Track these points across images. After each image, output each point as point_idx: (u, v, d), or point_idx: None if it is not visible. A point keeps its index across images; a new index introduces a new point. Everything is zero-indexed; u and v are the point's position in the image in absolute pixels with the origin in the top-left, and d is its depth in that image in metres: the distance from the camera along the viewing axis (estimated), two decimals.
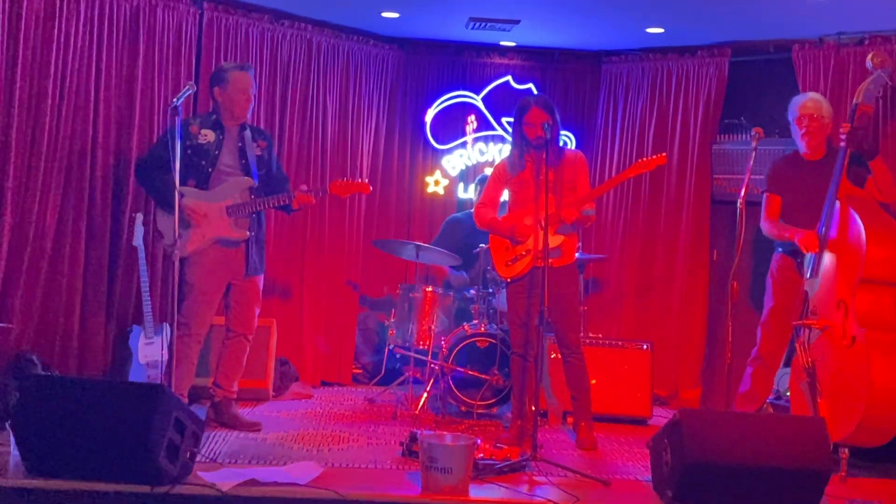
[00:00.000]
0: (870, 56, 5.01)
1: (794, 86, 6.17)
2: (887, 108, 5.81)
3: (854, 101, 4.97)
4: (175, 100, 4.50)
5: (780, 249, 5.27)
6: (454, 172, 7.35)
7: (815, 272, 4.81)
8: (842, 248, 4.73)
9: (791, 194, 5.19)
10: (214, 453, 4.48)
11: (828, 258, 4.79)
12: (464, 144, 7.33)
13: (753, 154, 5.02)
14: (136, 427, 3.66)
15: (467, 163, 7.35)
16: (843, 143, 4.82)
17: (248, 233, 5.06)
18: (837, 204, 4.78)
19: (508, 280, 5.17)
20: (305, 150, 6.64)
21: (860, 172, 4.99)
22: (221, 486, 3.75)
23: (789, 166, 5.27)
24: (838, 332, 4.63)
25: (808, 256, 4.88)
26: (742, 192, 4.87)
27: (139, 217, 5.49)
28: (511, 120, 5.21)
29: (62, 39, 5.40)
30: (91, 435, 3.70)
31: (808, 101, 5.19)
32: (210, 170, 5.00)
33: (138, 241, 5.44)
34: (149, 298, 5.47)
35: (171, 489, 3.69)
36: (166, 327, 5.46)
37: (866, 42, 5.97)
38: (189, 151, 4.95)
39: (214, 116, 5.09)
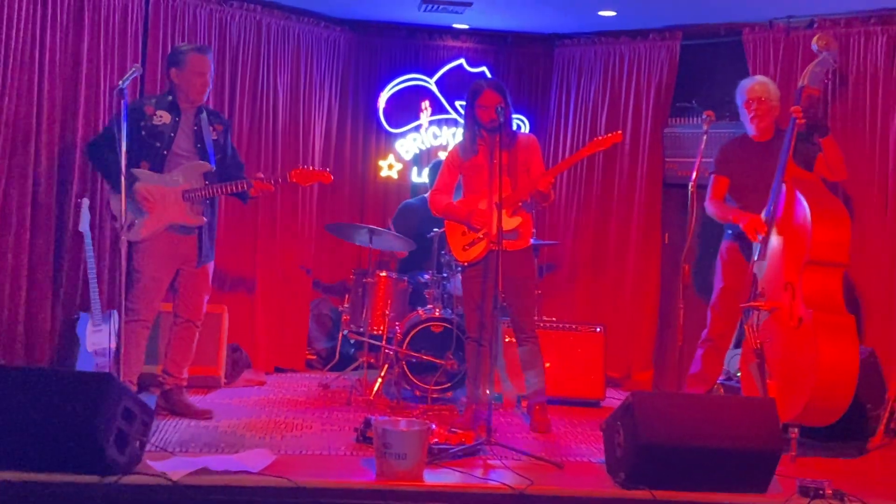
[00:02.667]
0: (815, 38, 5.06)
1: (745, 69, 6.21)
2: (835, 89, 5.87)
3: (800, 83, 5.02)
4: (121, 82, 4.42)
5: (729, 232, 5.31)
6: (408, 156, 7.32)
7: (762, 255, 4.87)
8: (788, 230, 4.78)
9: (740, 176, 5.24)
10: (165, 442, 4.42)
11: (775, 241, 4.84)
12: (417, 128, 7.29)
13: (705, 137, 5.06)
14: (83, 417, 3.61)
15: (421, 147, 7.32)
16: (791, 125, 4.87)
17: (204, 219, 4.98)
18: (784, 187, 4.83)
19: (465, 264, 5.16)
20: (256, 134, 6.57)
21: (809, 150, 5.04)
22: (172, 475, 3.71)
23: (738, 148, 5.32)
24: (786, 313, 4.69)
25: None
26: (693, 176, 4.91)
27: (85, 202, 5.39)
28: (465, 103, 5.18)
29: (4, 23, 5.27)
30: (38, 425, 3.63)
31: (755, 85, 5.23)
32: (165, 153, 4.91)
33: (84, 226, 5.34)
34: (96, 285, 5.37)
35: (119, 479, 3.64)
36: (114, 314, 5.37)
37: (815, 25, 6.03)
38: (143, 133, 4.86)
39: (171, 98, 5.00)
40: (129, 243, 4.80)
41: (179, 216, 4.93)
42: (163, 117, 4.92)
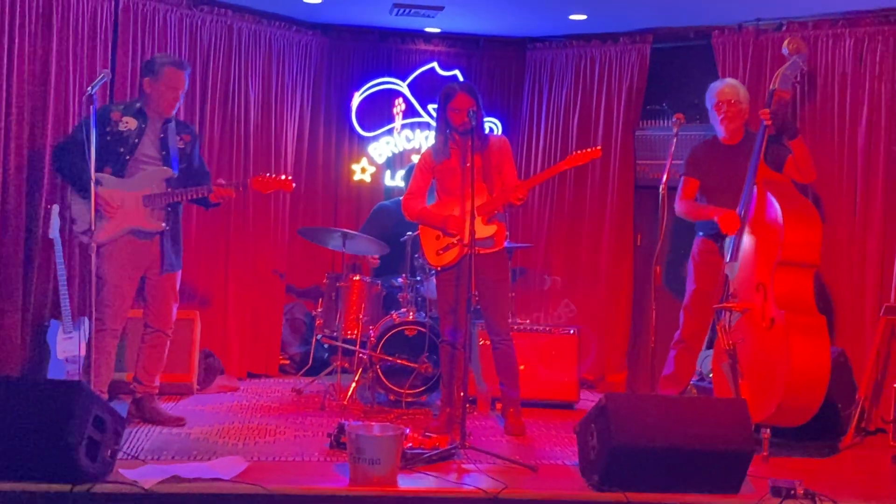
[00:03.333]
0: (786, 42, 5.10)
1: (714, 71, 6.26)
2: (804, 91, 5.92)
3: (771, 86, 5.07)
4: (90, 88, 4.40)
5: (701, 233, 5.34)
6: (381, 160, 7.31)
7: (734, 256, 4.89)
8: (760, 231, 4.81)
9: (710, 178, 5.27)
10: (136, 450, 4.39)
11: (747, 242, 4.87)
12: (390, 131, 7.29)
13: (675, 140, 5.09)
14: (54, 425, 3.58)
15: (394, 150, 7.32)
16: (763, 127, 4.90)
17: (163, 224, 4.95)
18: (755, 188, 4.86)
19: (439, 269, 5.15)
20: (227, 138, 6.54)
21: (779, 152, 5.09)
22: (143, 483, 3.69)
23: (708, 151, 5.35)
24: (758, 314, 4.72)
25: (728, 240, 4.96)
26: (664, 178, 4.93)
27: (55, 209, 5.34)
28: (437, 106, 5.18)
29: None
30: (8, 434, 3.60)
31: (725, 87, 5.26)
32: (128, 157, 4.88)
33: (54, 233, 5.29)
34: (66, 292, 5.32)
35: (91, 487, 3.62)
36: (85, 322, 5.33)
37: (784, 28, 6.08)
38: (108, 138, 4.84)
39: (139, 105, 4.98)
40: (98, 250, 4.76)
41: (139, 221, 4.89)
42: (129, 123, 4.90)
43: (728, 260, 4.93)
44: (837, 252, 5.76)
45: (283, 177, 5.20)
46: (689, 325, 5.36)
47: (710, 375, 5.23)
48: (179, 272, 5.15)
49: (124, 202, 4.86)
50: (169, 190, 4.94)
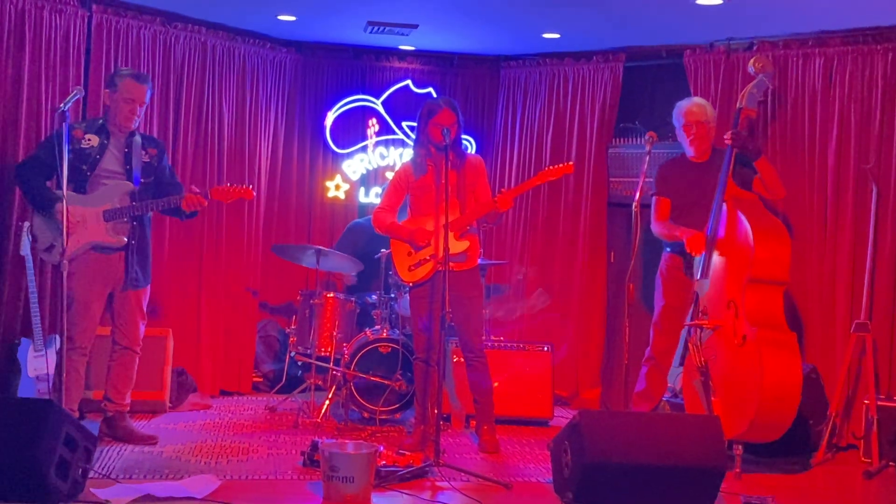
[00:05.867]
0: (752, 61, 5.17)
1: (687, 90, 6.30)
2: (775, 109, 5.98)
3: (738, 105, 5.12)
4: (62, 105, 4.37)
5: (668, 249, 5.38)
6: (355, 177, 7.31)
7: (704, 273, 4.93)
8: (730, 249, 4.86)
9: (680, 196, 5.31)
10: (108, 469, 4.35)
11: (717, 259, 4.91)
12: (364, 149, 7.29)
13: (647, 157, 5.13)
14: (24, 444, 3.56)
15: (368, 167, 7.32)
16: (728, 145, 4.96)
17: (125, 239, 4.92)
18: (725, 206, 4.91)
19: (411, 285, 5.16)
20: (201, 155, 6.51)
21: (746, 173, 5.14)
22: (115, 502, 3.68)
23: (677, 169, 5.40)
24: (729, 331, 4.75)
25: (698, 257, 4.99)
26: (637, 195, 4.96)
27: (26, 226, 5.28)
28: (412, 124, 5.19)
29: None
30: None
31: (693, 107, 5.30)
32: (89, 174, 4.87)
33: (25, 250, 5.24)
34: (37, 309, 5.27)
35: None
36: (56, 339, 5.28)
37: (755, 47, 6.14)
38: (71, 156, 4.80)
39: (101, 121, 4.98)
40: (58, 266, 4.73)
41: (99, 236, 4.87)
42: (91, 140, 4.90)
43: (699, 277, 4.97)
44: (808, 269, 5.81)
45: (245, 185, 5.15)
46: (659, 341, 5.39)
47: (682, 392, 5.26)
48: (146, 289, 5.11)
49: (84, 218, 4.83)
50: (132, 203, 4.91)
